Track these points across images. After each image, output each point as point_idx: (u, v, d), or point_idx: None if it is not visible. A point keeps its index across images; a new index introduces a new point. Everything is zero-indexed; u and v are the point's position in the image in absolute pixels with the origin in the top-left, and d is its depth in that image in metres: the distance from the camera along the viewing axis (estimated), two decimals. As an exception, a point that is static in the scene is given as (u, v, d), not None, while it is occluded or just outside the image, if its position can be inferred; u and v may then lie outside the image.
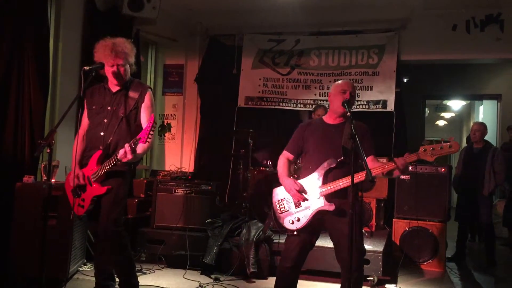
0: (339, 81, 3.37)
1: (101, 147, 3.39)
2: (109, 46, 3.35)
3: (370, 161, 3.11)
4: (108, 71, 3.40)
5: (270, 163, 5.91)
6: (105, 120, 3.42)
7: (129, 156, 3.12)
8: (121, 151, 3.12)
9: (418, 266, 5.48)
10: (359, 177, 3.00)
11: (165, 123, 7.52)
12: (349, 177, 2.99)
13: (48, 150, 2.95)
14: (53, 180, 4.18)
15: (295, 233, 3.18)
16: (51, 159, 3.05)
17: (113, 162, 3.20)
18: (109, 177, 3.33)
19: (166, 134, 7.51)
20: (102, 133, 3.41)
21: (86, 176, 3.36)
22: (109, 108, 3.44)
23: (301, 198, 3.16)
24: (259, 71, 7.18)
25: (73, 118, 5.14)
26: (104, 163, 3.27)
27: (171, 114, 7.54)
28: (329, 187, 3.10)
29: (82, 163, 3.46)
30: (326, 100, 6.74)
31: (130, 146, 3.10)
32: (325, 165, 3.15)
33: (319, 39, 6.99)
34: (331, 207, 3.09)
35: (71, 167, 3.38)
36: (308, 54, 7.00)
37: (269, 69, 7.16)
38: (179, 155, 7.45)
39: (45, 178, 4.11)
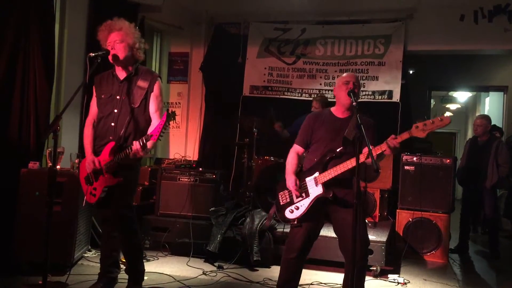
0: (343, 74, 3.37)
1: (111, 137, 3.36)
2: (107, 25, 3.33)
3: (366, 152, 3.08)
4: (110, 53, 3.33)
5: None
6: (115, 111, 3.39)
7: (141, 154, 3.15)
8: (133, 148, 3.13)
9: (421, 257, 5.49)
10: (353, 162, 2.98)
11: (169, 111, 7.48)
12: (347, 163, 3.03)
13: (54, 137, 2.95)
14: (58, 167, 4.19)
15: (296, 222, 3.21)
16: (56, 146, 3.05)
17: (125, 154, 3.21)
18: (121, 168, 3.32)
19: (171, 123, 7.42)
20: (112, 124, 3.38)
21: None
22: (118, 97, 3.40)
23: (298, 193, 3.19)
24: (264, 60, 7.16)
25: (78, 105, 5.14)
26: (116, 154, 3.27)
27: (175, 102, 7.53)
28: (326, 175, 3.12)
29: (95, 151, 3.43)
30: (332, 90, 6.70)
31: (141, 142, 3.10)
32: (326, 156, 3.17)
33: (325, 28, 6.95)
34: (328, 194, 3.10)
35: (79, 153, 3.39)
36: (314, 43, 6.97)
37: (275, 58, 7.13)
38: (183, 144, 7.46)
39: (50, 164, 4.12)
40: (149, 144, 3.17)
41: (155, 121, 3.35)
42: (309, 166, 3.27)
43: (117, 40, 3.33)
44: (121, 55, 3.35)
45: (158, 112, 3.40)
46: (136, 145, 3.10)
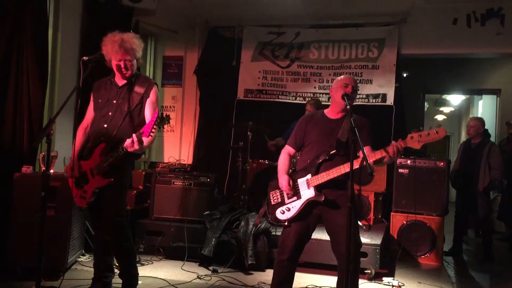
0: (342, 76, 3.37)
1: (102, 138, 3.38)
2: (117, 42, 3.34)
3: (366, 151, 3.09)
4: (115, 65, 3.41)
5: None
6: (110, 113, 3.43)
7: (136, 146, 3.12)
8: (128, 141, 3.12)
9: (416, 259, 5.50)
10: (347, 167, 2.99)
11: (164, 115, 7.48)
12: (340, 168, 3.03)
13: (47, 141, 2.95)
14: (51, 171, 4.17)
15: (286, 223, 3.22)
16: (50, 150, 3.05)
17: (117, 154, 3.21)
18: (111, 170, 3.33)
19: (165, 126, 7.36)
20: (105, 125, 3.41)
21: (88, 167, 3.36)
22: (114, 101, 3.45)
23: (292, 192, 3.20)
24: (258, 63, 7.16)
25: (72, 109, 5.13)
26: (107, 155, 3.28)
27: (170, 106, 7.53)
28: (319, 178, 3.13)
29: (82, 155, 3.47)
30: (326, 93, 6.74)
31: (137, 136, 3.10)
32: (318, 158, 3.18)
33: (319, 32, 6.97)
34: (320, 197, 3.11)
35: (71, 157, 3.38)
36: (308, 47, 6.98)
37: (269, 61, 7.14)
38: (178, 147, 7.46)
39: (43, 168, 4.11)
40: (143, 141, 3.17)
41: None
42: (302, 167, 3.28)
43: (128, 59, 3.40)
44: (130, 73, 3.44)
45: None
46: (134, 137, 3.10)
